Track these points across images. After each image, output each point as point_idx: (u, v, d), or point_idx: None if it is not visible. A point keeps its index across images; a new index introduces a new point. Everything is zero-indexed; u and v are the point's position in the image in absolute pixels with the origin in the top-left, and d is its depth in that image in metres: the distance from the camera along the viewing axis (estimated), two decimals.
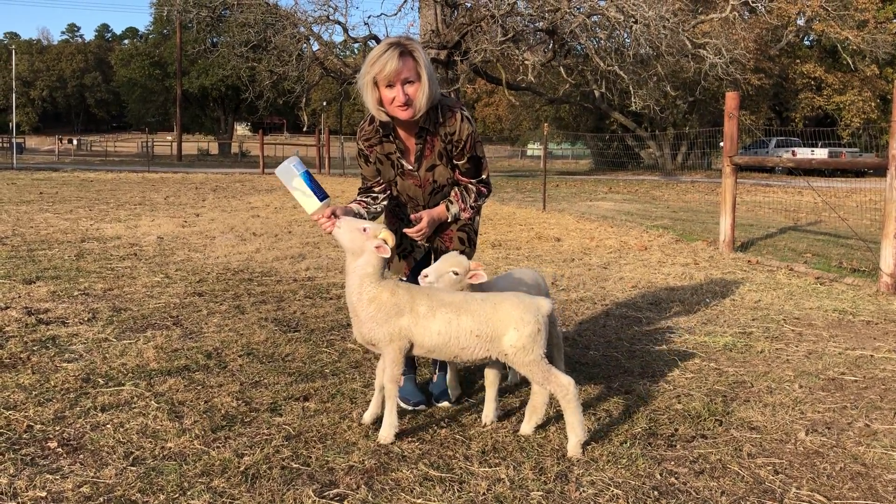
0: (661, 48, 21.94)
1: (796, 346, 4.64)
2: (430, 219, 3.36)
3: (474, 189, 3.42)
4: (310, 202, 3.10)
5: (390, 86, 3.15)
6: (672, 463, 2.91)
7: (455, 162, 3.38)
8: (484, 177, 3.45)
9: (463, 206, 3.41)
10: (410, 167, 3.40)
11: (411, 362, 3.68)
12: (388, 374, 3.00)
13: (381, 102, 3.22)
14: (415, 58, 3.15)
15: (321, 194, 3.10)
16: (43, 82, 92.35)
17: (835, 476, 2.83)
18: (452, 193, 3.42)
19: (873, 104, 37.13)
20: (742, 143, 33.16)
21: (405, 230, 3.35)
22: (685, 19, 22.96)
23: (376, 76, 3.14)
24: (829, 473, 2.85)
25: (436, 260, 3.63)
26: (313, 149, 34.05)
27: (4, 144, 45.83)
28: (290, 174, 3.11)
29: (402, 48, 3.13)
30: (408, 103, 3.16)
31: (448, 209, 3.39)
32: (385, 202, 3.51)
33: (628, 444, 3.07)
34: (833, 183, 20.16)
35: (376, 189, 3.50)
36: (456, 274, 3.17)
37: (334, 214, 3.08)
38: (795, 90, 38.98)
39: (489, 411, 3.28)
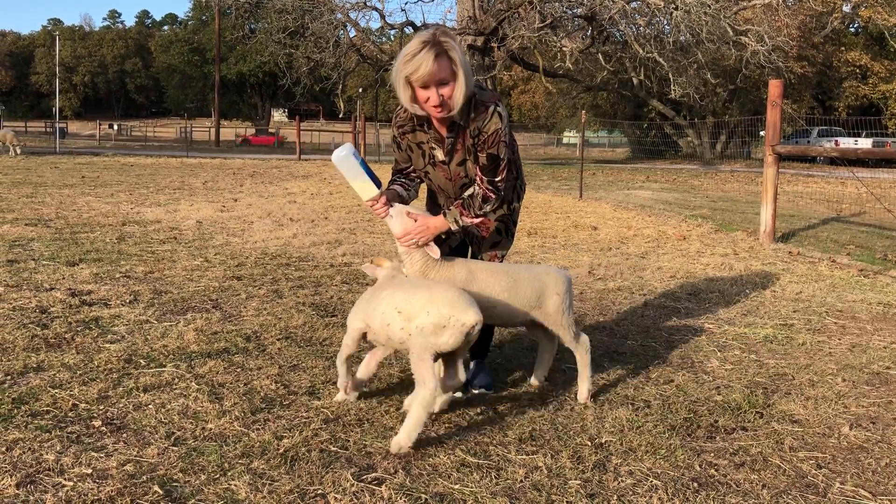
0: (702, 35, 21.59)
1: (839, 339, 4.55)
2: (424, 224, 3.21)
3: (481, 194, 3.24)
4: (366, 189, 3.20)
5: (424, 86, 3.05)
6: (712, 455, 2.88)
7: (477, 154, 3.25)
8: (497, 179, 3.23)
9: (465, 211, 3.25)
10: (442, 159, 3.34)
11: None
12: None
13: (414, 99, 3.13)
14: (450, 57, 3.01)
15: (377, 181, 3.21)
16: (85, 68, 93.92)
17: (880, 472, 2.78)
18: (454, 204, 3.28)
19: None
20: (784, 133, 32.56)
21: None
22: (727, 6, 22.54)
23: (409, 76, 3.02)
24: (875, 469, 2.80)
25: (473, 247, 3.63)
26: (349, 135, 34.16)
27: (48, 129, 46.74)
28: (350, 162, 3.18)
29: (438, 48, 2.98)
30: (442, 104, 3.07)
31: (445, 216, 3.26)
32: (418, 184, 3.52)
33: (667, 434, 3.04)
34: (877, 173, 19.71)
35: (412, 175, 3.49)
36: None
37: (388, 202, 3.23)
38: (839, 78, 38.17)
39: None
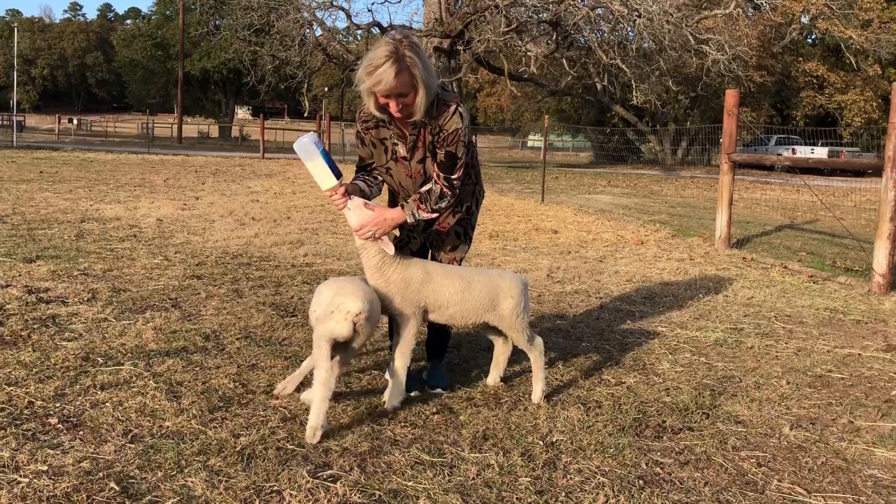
0: (665, 43, 21.96)
1: (786, 343, 4.71)
2: (381, 216, 3.28)
3: (438, 190, 3.32)
4: (326, 179, 3.25)
5: (386, 97, 3.15)
6: (658, 453, 2.98)
7: (436, 150, 3.34)
8: (453, 177, 3.31)
9: (422, 206, 3.32)
10: (404, 154, 3.41)
11: None
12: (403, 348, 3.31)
13: (377, 105, 3.23)
14: (412, 73, 3.08)
15: (337, 172, 3.27)
16: (44, 61, 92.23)
17: (816, 470, 2.91)
18: (412, 197, 3.36)
19: (875, 104, 37.14)
20: (742, 141, 33.19)
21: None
22: (689, 14, 22.91)
23: (372, 89, 3.13)
24: (811, 467, 2.93)
25: (433, 250, 3.70)
26: (314, 135, 33.93)
27: (5, 122, 45.74)
28: (310, 150, 3.24)
29: (400, 64, 3.05)
30: (403, 112, 3.19)
31: (404, 208, 3.33)
32: (381, 183, 3.58)
33: (616, 434, 3.14)
34: (832, 182, 20.22)
35: (375, 172, 3.56)
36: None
37: (347, 194, 3.29)
38: (797, 88, 38.96)
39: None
